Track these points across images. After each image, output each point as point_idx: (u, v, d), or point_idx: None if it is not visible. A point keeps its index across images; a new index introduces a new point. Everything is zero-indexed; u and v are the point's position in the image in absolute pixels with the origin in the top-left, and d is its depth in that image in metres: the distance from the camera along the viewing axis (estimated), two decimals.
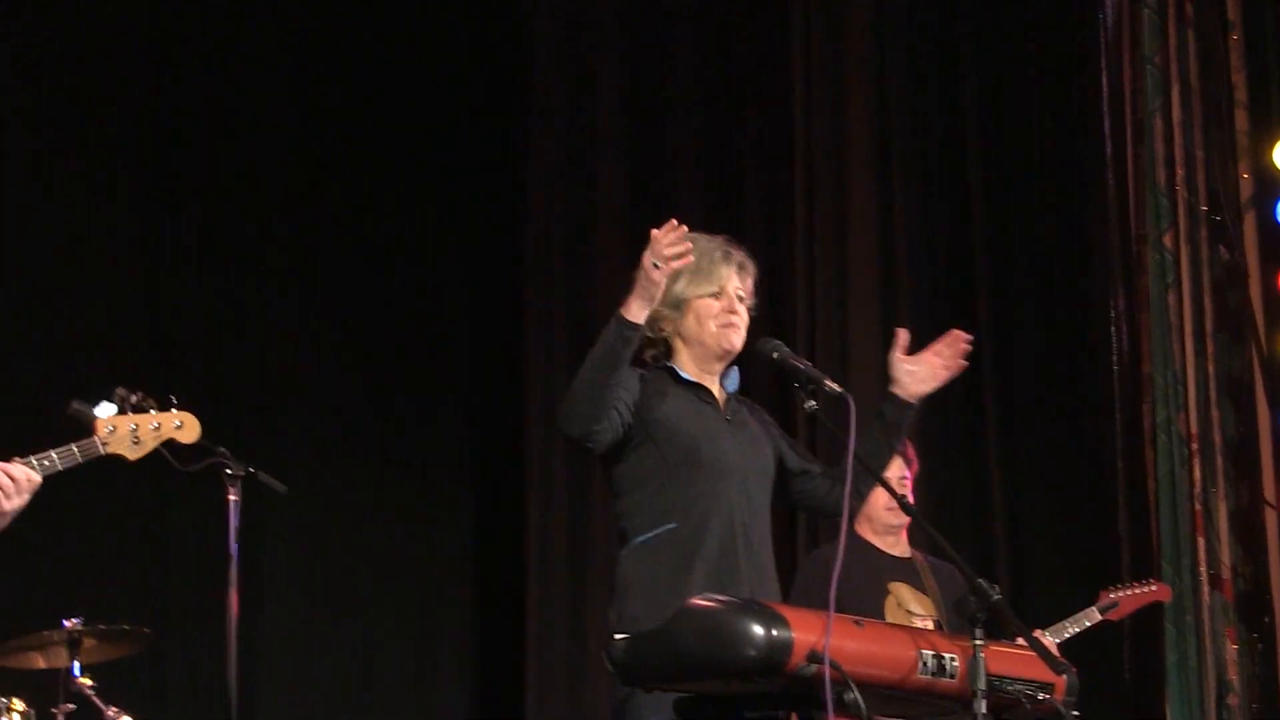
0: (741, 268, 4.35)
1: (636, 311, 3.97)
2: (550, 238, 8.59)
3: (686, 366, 4.33)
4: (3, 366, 7.17)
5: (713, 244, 4.35)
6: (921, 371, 4.37)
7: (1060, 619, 6.07)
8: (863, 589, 5.62)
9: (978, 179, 7.55)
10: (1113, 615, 6.12)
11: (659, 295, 4.00)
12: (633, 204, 8.38)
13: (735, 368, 4.38)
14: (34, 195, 7.50)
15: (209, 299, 7.94)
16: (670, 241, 3.90)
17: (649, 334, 4.23)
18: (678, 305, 4.30)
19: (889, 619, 5.50)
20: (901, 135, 7.74)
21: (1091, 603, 6.14)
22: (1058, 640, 5.85)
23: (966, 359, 4.40)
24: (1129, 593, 6.17)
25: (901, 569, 5.88)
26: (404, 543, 8.37)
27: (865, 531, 5.81)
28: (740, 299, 4.31)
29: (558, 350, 8.41)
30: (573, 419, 4.05)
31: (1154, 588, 6.23)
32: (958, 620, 5.53)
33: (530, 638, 8.20)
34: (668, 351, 4.36)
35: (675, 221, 3.95)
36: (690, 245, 3.96)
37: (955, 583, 5.82)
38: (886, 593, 5.79)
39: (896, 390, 4.38)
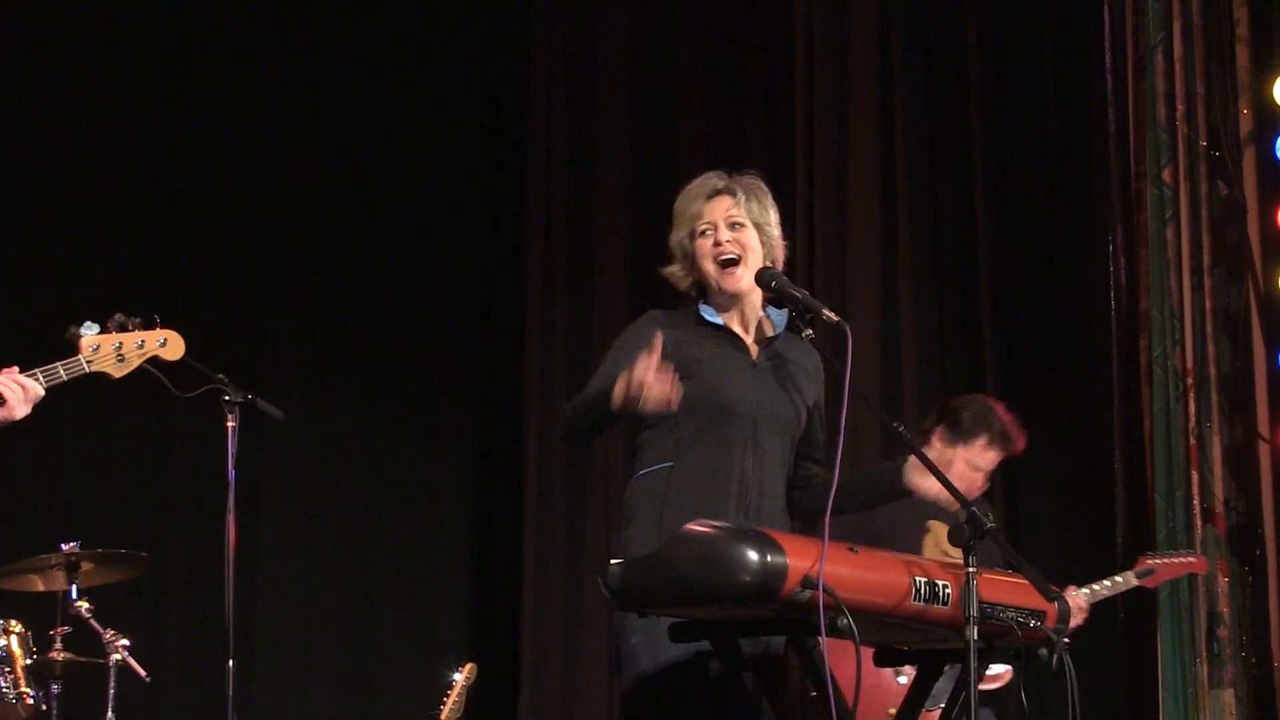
0: (721, 193, 4.22)
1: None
2: (552, 174, 8.58)
3: (717, 307, 4.28)
4: (13, 296, 7.19)
5: (698, 183, 4.29)
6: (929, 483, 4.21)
7: (1055, 553, 6.08)
8: (903, 525, 5.62)
9: (979, 114, 7.54)
10: (1149, 582, 6.09)
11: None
12: (634, 154, 8.41)
13: (782, 310, 4.23)
14: (48, 130, 7.52)
15: (217, 229, 7.96)
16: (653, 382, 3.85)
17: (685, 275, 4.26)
18: (685, 256, 4.27)
19: (926, 556, 5.52)
20: (904, 71, 7.71)
21: (1129, 566, 6.13)
22: (1090, 598, 5.84)
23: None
24: (1167, 560, 6.15)
25: (942, 507, 5.90)
26: (403, 469, 8.40)
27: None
28: (737, 225, 4.20)
29: (557, 283, 8.43)
30: (566, 438, 4.22)
31: (1192, 559, 6.22)
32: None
33: (527, 564, 8.24)
34: (703, 290, 4.32)
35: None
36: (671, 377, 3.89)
37: None
38: (926, 530, 5.80)
39: (905, 474, 4.24)
